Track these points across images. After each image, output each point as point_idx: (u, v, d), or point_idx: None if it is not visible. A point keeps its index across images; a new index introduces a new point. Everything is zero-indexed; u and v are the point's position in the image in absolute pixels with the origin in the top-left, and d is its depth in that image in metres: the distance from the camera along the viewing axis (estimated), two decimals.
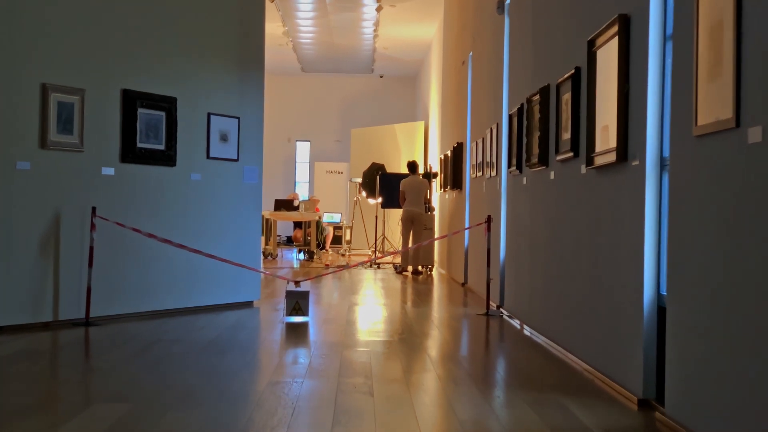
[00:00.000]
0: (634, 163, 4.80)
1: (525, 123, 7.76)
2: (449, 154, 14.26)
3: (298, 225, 19.25)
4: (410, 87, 25.88)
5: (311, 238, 18.23)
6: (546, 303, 7.02)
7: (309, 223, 18.43)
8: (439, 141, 17.12)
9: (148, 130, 7.99)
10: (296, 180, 26.65)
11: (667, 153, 4.55)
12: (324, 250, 19.34)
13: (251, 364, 5.99)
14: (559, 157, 6.46)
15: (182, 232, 8.37)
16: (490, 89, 10.29)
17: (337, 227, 20.57)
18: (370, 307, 9.59)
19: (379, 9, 17.38)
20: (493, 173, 9.76)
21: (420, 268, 14.71)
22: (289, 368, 5.71)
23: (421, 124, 21.42)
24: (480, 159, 10.91)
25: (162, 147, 8.14)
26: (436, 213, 15.76)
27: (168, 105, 8.18)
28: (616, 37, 5.05)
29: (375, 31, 19.74)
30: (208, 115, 8.67)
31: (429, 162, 19.63)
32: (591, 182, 5.66)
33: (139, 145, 7.91)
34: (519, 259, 8.28)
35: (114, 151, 7.74)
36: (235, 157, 8.99)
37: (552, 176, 6.80)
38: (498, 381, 5.63)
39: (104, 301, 7.65)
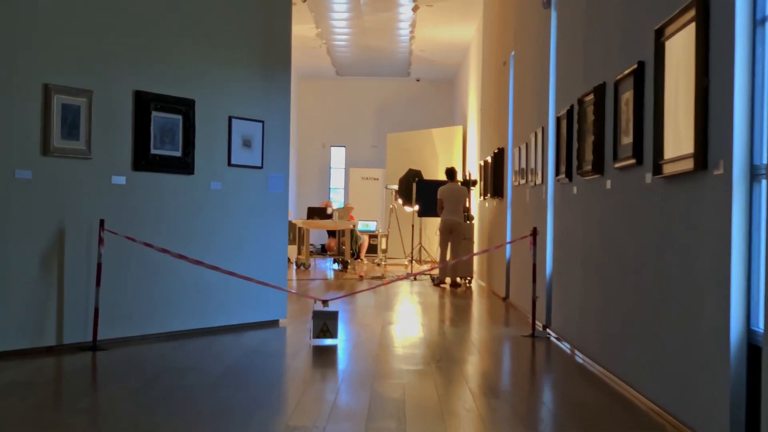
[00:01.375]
0: (716, 173, 4.04)
1: (576, 126, 7.01)
2: (489, 160, 13.51)
3: (331, 234, 18.60)
4: (448, 90, 25.14)
5: (345, 248, 17.56)
6: (602, 327, 6.25)
7: (343, 231, 17.77)
8: (479, 146, 16.37)
9: (163, 136, 7.33)
10: (331, 186, 26.01)
11: (758, 160, 3.79)
12: (359, 260, 18.66)
13: (268, 401, 5.28)
14: (617, 165, 5.71)
15: (200, 246, 7.70)
16: (535, 90, 9.54)
17: (373, 236, 19.87)
18: (405, 326, 8.87)
19: (415, 9, 16.68)
20: (539, 181, 9.01)
21: (458, 279, 13.97)
22: (311, 407, 5.00)
23: (459, 129, 20.68)
24: (523, 165, 10.17)
25: (178, 153, 7.48)
26: (476, 222, 15.00)
27: (185, 108, 7.51)
28: (693, 24, 4.29)
29: (411, 32, 19.05)
30: (230, 118, 8.00)
31: (468, 168, 18.87)
32: (658, 193, 4.90)
33: (153, 151, 7.25)
34: (569, 276, 7.52)
35: (125, 158, 7.09)
36: (259, 164, 8.31)
37: (608, 185, 6.05)
38: (548, 421, 4.88)
39: (113, 323, 6.99)
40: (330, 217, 18.11)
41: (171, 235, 7.42)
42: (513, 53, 11.53)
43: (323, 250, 19.79)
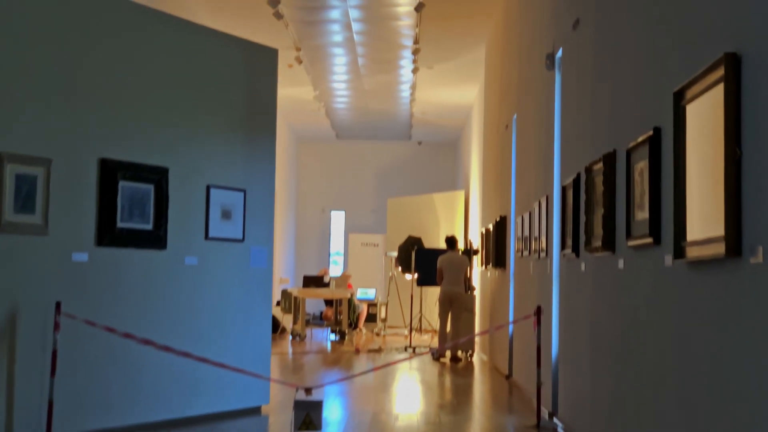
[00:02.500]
0: (753, 261, 3.39)
1: (583, 197, 6.37)
2: (491, 229, 12.87)
3: (329, 303, 17.90)
4: (450, 154, 24.61)
5: (343, 317, 16.86)
6: (616, 421, 5.55)
7: (340, 300, 17.08)
8: (481, 213, 15.75)
9: (132, 207, 6.71)
10: (330, 252, 25.37)
11: None
12: (357, 330, 17.94)
13: None
14: (631, 243, 5.06)
15: (173, 329, 7.03)
16: (539, 156, 8.94)
17: (372, 304, 19.16)
18: (399, 412, 8.15)
19: (415, 71, 16.19)
20: (543, 254, 8.36)
21: (459, 354, 13.25)
22: None
23: (461, 194, 20.08)
24: (527, 235, 9.53)
25: (149, 226, 6.85)
26: (477, 292, 14.32)
27: (157, 177, 6.90)
28: (720, 85, 3.67)
29: (412, 94, 18.56)
30: (208, 188, 7.39)
31: (470, 236, 18.24)
32: (681, 279, 4.24)
33: (120, 224, 6.62)
34: (577, 360, 6.83)
35: (88, 232, 6.45)
36: (240, 237, 7.67)
37: (621, 265, 5.39)
38: None
39: (71, 416, 6.28)
40: (327, 285, 17.44)
41: (139, 318, 6.76)
42: (515, 116, 10.96)
43: (322, 319, 19.06)
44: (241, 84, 7.78)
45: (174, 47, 7.26)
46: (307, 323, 17.40)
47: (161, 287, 6.98)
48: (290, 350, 14.87)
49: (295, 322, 17.04)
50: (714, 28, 3.90)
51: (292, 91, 18.68)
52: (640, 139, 4.88)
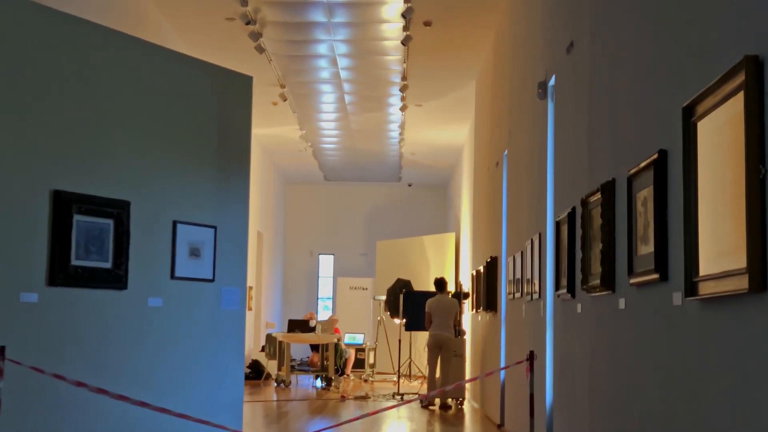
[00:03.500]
0: None
1: (579, 232, 5.85)
2: (482, 270, 12.34)
3: (315, 348, 17.30)
4: (440, 196, 24.13)
5: (329, 363, 16.24)
6: None
7: (327, 346, 16.48)
8: (471, 255, 15.22)
9: (88, 243, 6.16)
10: (319, 296, 24.78)
11: None
12: (344, 376, 17.31)
13: None
14: (634, 280, 4.53)
15: (135, 376, 6.46)
16: (531, 192, 8.44)
17: (360, 349, 18.57)
18: None
19: (404, 109, 15.75)
20: (536, 295, 7.83)
21: (449, 401, 12.65)
22: None
23: (451, 236, 19.57)
24: (518, 277, 9.00)
25: (108, 265, 6.30)
26: (468, 337, 13.73)
27: (117, 211, 6.36)
28: (740, 94, 3.17)
29: (401, 134, 18.11)
30: (174, 223, 6.85)
31: (461, 278, 17.68)
32: (693, 319, 3.71)
33: (74, 262, 6.06)
34: (574, 409, 6.28)
35: (38, 271, 5.88)
36: (210, 277, 7.13)
37: (622, 305, 4.86)
38: None
39: None
40: (313, 330, 16.86)
41: (95, 364, 6.18)
42: (506, 153, 10.48)
43: (308, 365, 18.40)
44: (212, 112, 7.28)
45: (139, 71, 6.76)
46: (293, 369, 16.77)
47: (121, 330, 6.41)
48: (275, 397, 14.26)
49: (279, 368, 16.43)
50: (728, 32, 3.41)
51: (278, 130, 18.23)
52: (643, 164, 4.37)
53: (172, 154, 6.91)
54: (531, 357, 6.80)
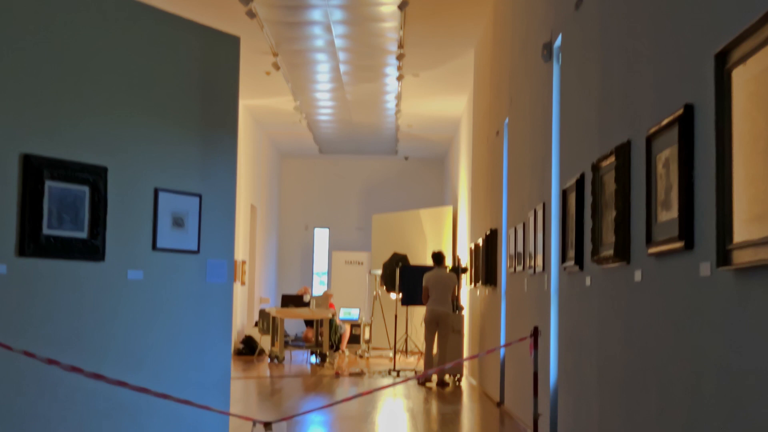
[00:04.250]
0: None
1: (589, 199, 5.45)
2: (481, 244, 11.94)
3: (309, 323, 16.93)
4: (437, 169, 23.69)
5: (324, 339, 15.87)
6: None
7: (321, 321, 16.11)
8: (469, 228, 14.81)
9: (61, 212, 5.73)
10: (314, 271, 24.38)
11: None
12: (339, 352, 16.95)
13: None
14: (653, 249, 4.12)
15: (113, 353, 6.04)
16: (534, 161, 8.03)
17: (355, 324, 18.19)
18: None
19: (400, 78, 15.29)
20: (539, 268, 7.43)
21: (446, 378, 12.29)
22: None
23: (449, 210, 19.15)
24: (520, 250, 8.60)
25: (83, 234, 5.87)
26: (466, 312, 13.35)
27: (93, 177, 5.92)
28: None
29: (397, 105, 17.65)
30: (155, 191, 6.41)
31: (458, 253, 17.28)
32: (724, 291, 3.31)
33: (46, 231, 5.63)
34: (581, 389, 5.90)
35: (7, 241, 5.44)
36: (195, 248, 6.69)
37: (638, 277, 4.46)
38: None
39: None
40: (307, 305, 16.48)
41: (69, 340, 5.76)
42: (507, 121, 10.05)
43: (302, 340, 18.02)
44: (196, 74, 6.83)
45: (118, 29, 6.31)
46: (287, 345, 16.39)
47: (98, 305, 5.99)
48: (268, 373, 13.89)
49: (273, 343, 16.05)
50: None
51: (271, 102, 17.79)
52: (665, 122, 3.95)
53: (153, 117, 6.47)
54: (535, 333, 6.41)
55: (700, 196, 3.57)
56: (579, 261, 5.75)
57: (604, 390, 5.21)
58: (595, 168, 5.23)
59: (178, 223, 6.52)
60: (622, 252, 4.63)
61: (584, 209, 5.68)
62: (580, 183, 5.77)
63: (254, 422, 5.69)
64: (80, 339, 5.83)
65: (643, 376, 4.42)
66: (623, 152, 4.67)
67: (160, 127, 6.48)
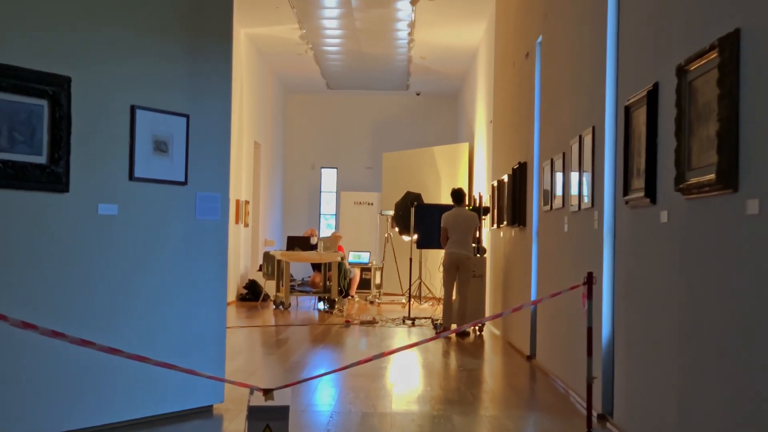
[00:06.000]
0: None
1: (670, 113, 4.33)
2: (506, 180, 10.83)
3: (316, 267, 15.90)
4: (451, 105, 22.48)
5: (332, 284, 14.86)
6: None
7: (329, 265, 15.08)
8: (490, 165, 13.67)
9: (13, 130, 4.66)
10: (321, 212, 23.33)
11: None
12: (348, 298, 15.95)
13: None
14: None
15: (79, 306, 5.01)
16: (579, 79, 6.90)
17: (366, 269, 17.18)
18: (390, 415, 6.17)
19: (414, 2, 14.06)
20: (586, 204, 6.35)
21: (468, 328, 11.27)
22: None
23: (465, 146, 18.00)
24: (558, 184, 7.51)
25: (41, 159, 4.80)
26: (488, 255, 12.28)
27: (53, 89, 4.83)
28: None
29: (410, 34, 16.43)
30: (132, 109, 5.32)
31: (474, 192, 16.16)
32: None
33: None
34: (648, 347, 4.85)
35: None
36: (182, 179, 5.63)
37: (753, 209, 3.37)
38: None
39: None
40: (314, 247, 15.43)
41: (24, 289, 4.72)
42: (539, 40, 8.89)
43: (309, 285, 17.01)
44: None
45: None
46: (293, 290, 15.38)
47: (61, 245, 4.94)
48: (273, 321, 12.91)
49: (278, 289, 15.05)
50: None
51: (275, 30, 16.59)
52: None
53: (129, 19, 5.35)
54: (589, 280, 5.33)
55: None
56: (650, 192, 4.66)
57: (686, 352, 4.15)
58: (682, 72, 4.11)
59: (160, 148, 5.45)
60: (728, 177, 3.54)
61: (659, 127, 4.58)
62: (652, 95, 4.66)
63: (251, 390, 4.64)
64: (38, 288, 4.79)
65: (747, 338, 3.35)
66: (730, 44, 3.55)
67: (138, 31, 5.39)
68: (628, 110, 5.15)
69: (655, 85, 4.64)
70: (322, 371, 7.95)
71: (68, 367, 4.94)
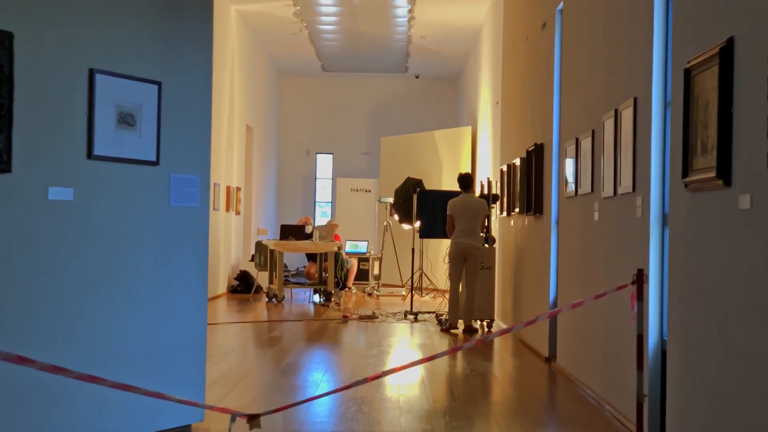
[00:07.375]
0: None
1: (759, 74, 3.45)
2: (517, 164, 9.95)
3: (312, 258, 15.03)
4: (451, 88, 21.57)
5: (328, 275, 13.99)
6: None
7: (325, 255, 14.22)
8: (497, 149, 12.77)
9: None
10: (316, 200, 22.45)
11: None
12: (345, 290, 15.08)
13: None
14: None
15: (23, 311, 4.13)
16: (613, 45, 6.02)
17: (363, 259, 16.33)
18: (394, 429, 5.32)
19: None
20: (627, 188, 5.48)
21: (474, 324, 10.42)
22: None
23: (467, 130, 17.11)
24: (586, 166, 6.64)
25: None
26: (498, 245, 11.39)
27: None
28: None
29: (410, 12, 15.53)
30: (91, 73, 4.42)
31: (480, 178, 15.28)
32: None
33: None
34: (711, 360, 3.98)
35: None
36: (153, 158, 4.73)
37: None
38: None
39: None
40: (309, 236, 14.52)
41: None
42: (560, 7, 8.00)
43: (304, 276, 16.13)
44: None
45: None
46: (287, 282, 14.50)
47: (3, 237, 4.05)
48: (265, 316, 12.06)
49: (271, 280, 14.19)
50: None
51: (266, 6, 15.68)
52: None
53: None
54: (639, 278, 4.45)
55: None
56: (724, 172, 3.78)
57: (762, 369, 3.30)
58: None
59: (126, 120, 4.56)
60: None
61: (737, 92, 3.70)
62: (726, 53, 3.78)
63: (232, 416, 3.76)
64: None
65: None
66: None
67: None
68: (688, 74, 4.26)
69: (730, 40, 3.76)
70: (319, 375, 7.09)
71: (8, 385, 4.06)
